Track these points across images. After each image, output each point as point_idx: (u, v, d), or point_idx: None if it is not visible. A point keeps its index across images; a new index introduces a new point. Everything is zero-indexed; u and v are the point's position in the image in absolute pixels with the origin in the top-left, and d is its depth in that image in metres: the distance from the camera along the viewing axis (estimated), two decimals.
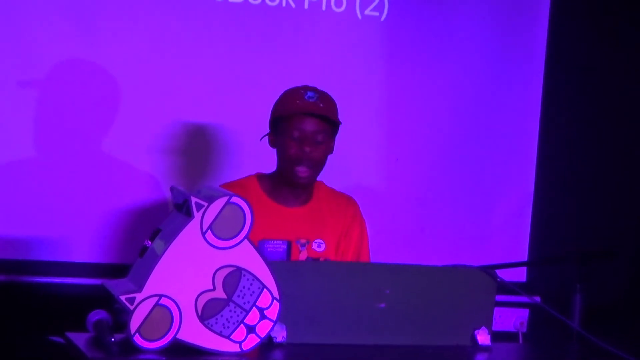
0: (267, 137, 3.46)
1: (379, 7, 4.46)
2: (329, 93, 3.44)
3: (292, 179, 3.37)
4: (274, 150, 3.45)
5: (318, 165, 3.38)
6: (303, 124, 3.33)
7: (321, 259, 3.39)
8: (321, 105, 3.36)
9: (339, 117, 3.44)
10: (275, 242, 3.36)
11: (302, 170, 3.34)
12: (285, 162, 3.36)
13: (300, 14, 4.37)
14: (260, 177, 3.49)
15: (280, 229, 3.38)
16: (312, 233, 3.42)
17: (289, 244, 3.37)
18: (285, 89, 3.48)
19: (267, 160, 3.53)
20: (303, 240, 3.40)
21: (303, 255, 3.38)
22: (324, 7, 4.39)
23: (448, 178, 4.58)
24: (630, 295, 4.75)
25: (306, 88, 3.41)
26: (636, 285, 4.77)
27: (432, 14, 4.54)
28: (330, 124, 3.38)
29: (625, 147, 4.79)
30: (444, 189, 4.58)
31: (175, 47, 4.22)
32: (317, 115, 3.34)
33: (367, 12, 4.45)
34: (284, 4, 4.33)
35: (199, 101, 4.26)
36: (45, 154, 4.11)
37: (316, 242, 3.42)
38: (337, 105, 3.45)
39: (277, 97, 3.47)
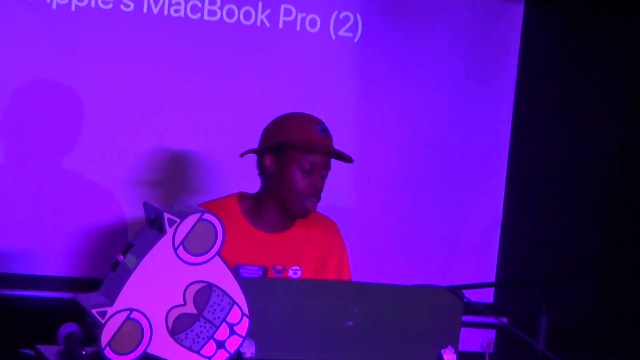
0: (257, 155, 3.39)
1: (353, 28, 4.50)
2: (321, 121, 3.40)
3: (297, 212, 3.34)
4: (252, 170, 3.40)
5: (320, 198, 3.37)
6: (317, 157, 3.30)
7: None
8: (330, 140, 3.36)
9: None
10: (251, 267, 3.31)
11: (312, 205, 3.33)
12: (292, 193, 3.31)
13: (274, 34, 4.39)
14: (242, 197, 3.42)
15: (257, 255, 3.34)
16: (288, 260, 3.38)
17: (265, 270, 3.33)
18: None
19: (247, 181, 3.48)
20: (279, 267, 3.36)
21: None
22: (298, 27, 4.42)
23: (418, 198, 4.61)
24: (595, 318, 4.78)
25: (314, 118, 3.37)
26: (601, 307, 4.81)
27: (405, 35, 4.58)
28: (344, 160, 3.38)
29: (593, 171, 4.83)
30: (414, 209, 4.60)
31: (148, 65, 4.24)
32: (329, 156, 3.34)
33: (341, 32, 4.49)
34: (258, 23, 4.36)
35: (172, 120, 4.27)
36: (18, 167, 4.11)
37: (292, 269, 3.38)
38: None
39: (277, 119, 3.40)
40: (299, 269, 3.39)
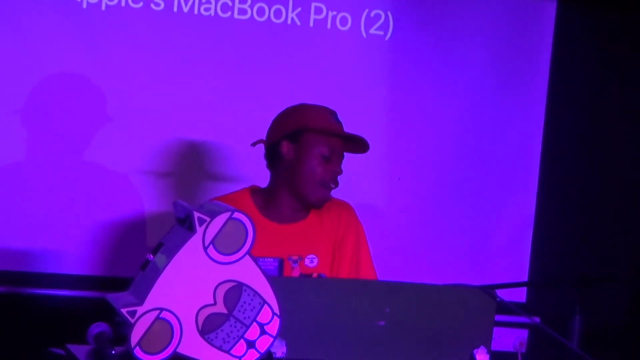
0: (267, 146, 3.38)
1: (384, 27, 4.49)
2: (334, 111, 3.41)
3: (313, 200, 3.33)
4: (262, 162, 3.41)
5: (337, 184, 3.37)
6: (337, 143, 3.32)
7: (314, 274, 3.35)
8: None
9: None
10: (266, 259, 3.28)
11: (327, 194, 3.33)
12: (310, 180, 3.30)
13: (305, 32, 4.39)
14: (254, 191, 3.42)
15: (272, 246, 3.31)
16: (304, 249, 3.36)
17: (281, 261, 3.32)
18: (288, 106, 3.44)
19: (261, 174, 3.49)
20: (295, 257, 3.34)
21: (296, 272, 3.33)
22: (329, 26, 4.41)
23: (449, 198, 4.59)
24: (629, 318, 4.75)
25: (327, 109, 3.38)
26: (636, 308, 4.77)
27: (436, 34, 4.56)
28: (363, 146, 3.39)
29: (627, 171, 4.79)
30: (446, 209, 4.59)
31: (180, 63, 4.24)
32: (354, 140, 3.35)
33: (371, 31, 4.48)
34: (289, 22, 4.35)
35: (199, 117, 4.28)
36: (48, 167, 4.13)
37: (309, 258, 3.36)
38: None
39: (290, 108, 3.40)
40: (315, 257, 3.37)
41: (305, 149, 3.30)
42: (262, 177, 3.47)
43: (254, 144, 3.39)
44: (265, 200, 3.38)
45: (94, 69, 4.16)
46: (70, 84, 4.15)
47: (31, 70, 4.09)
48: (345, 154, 3.39)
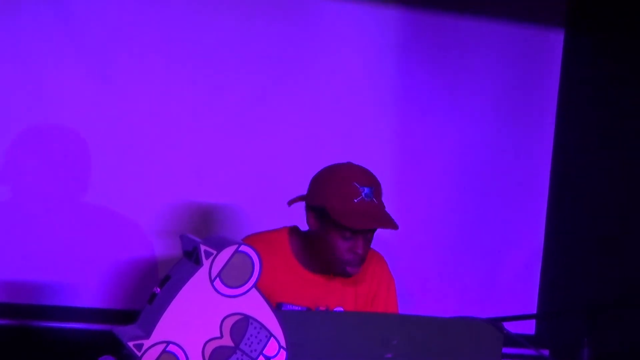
0: (303, 205, 3.24)
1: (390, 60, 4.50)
2: (372, 179, 3.17)
3: (340, 274, 3.21)
4: (301, 212, 3.26)
5: (365, 259, 3.22)
6: (358, 225, 3.12)
7: None
8: (376, 202, 3.14)
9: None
10: (293, 306, 3.22)
11: (354, 270, 3.20)
12: (332, 258, 3.18)
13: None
14: (292, 232, 3.31)
15: (301, 294, 3.24)
16: (332, 300, 3.28)
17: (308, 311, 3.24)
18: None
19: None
20: (322, 308, 3.26)
21: None
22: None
23: (458, 229, 4.59)
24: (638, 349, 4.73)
25: (360, 177, 3.14)
26: None
27: (444, 63, 4.60)
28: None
29: (634, 201, 4.79)
30: (454, 240, 4.58)
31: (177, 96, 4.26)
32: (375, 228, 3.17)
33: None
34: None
35: (212, 149, 4.30)
36: (55, 199, 4.14)
37: (336, 309, 3.27)
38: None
39: (321, 173, 3.22)
40: (342, 309, 3.28)
41: (326, 228, 3.16)
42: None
43: (290, 203, 3.24)
44: (302, 246, 3.28)
45: (110, 102, 4.18)
46: (87, 114, 4.17)
47: (41, 104, 4.11)
48: None
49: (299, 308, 3.24)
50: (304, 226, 3.29)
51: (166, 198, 4.23)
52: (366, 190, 3.13)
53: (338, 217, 3.11)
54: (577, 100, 4.72)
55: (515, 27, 4.65)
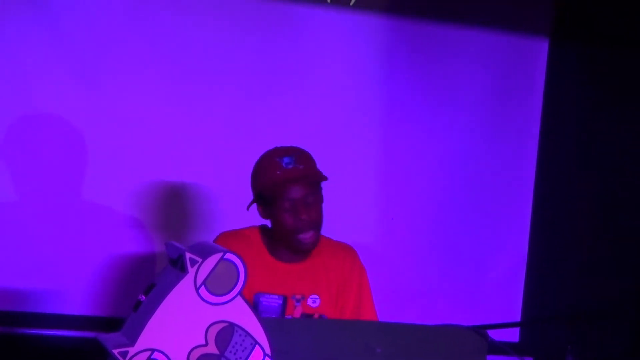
0: (255, 206, 3.42)
1: (376, 67, 4.51)
2: (290, 150, 3.37)
3: (297, 247, 3.37)
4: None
5: (318, 223, 3.37)
6: (291, 192, 3.31)
7: (315, 315, 3.39)
8: (301, 167, 3.33)
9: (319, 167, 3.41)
10: (271, 296, 3.34)
11: (306, 237, 3.34)
12: (284, 232, 3.35)
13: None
14: (263, 230, 3.47)
15: (277, 284, 3.37)
16: (307, 288, 3.41)
17: (285, 299, 3.36)
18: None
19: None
20: (298, 296, 3.39)
21: (298, 311, 3.38)
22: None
23: (442, 237, 4.60)
24: (622, 357, 4.74)
25: (280, 152, 3.36)
26: (630, 346, 4.76)
27: (429, 73, 4.59)
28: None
29: (619, 209, 4.80)
30: (438, 249, 4.59)
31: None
32: (303, 183, 3.32)
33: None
34: None
35: (195, 154, 4.30)
36: (38, 207, 4.13)
37: (311, 298, 3.40)
38: (318, 162, 3.40)
39: (253, 168, 3.41)
40: (317, 297, 3.41)
41: (269, 209, 3.35)
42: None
43: (248, 207, 3.42)
44: (271, 240, 3.43)
45: (99, 108, 4.18)
46: (72, 121, 4.17)
47: (33, 111, 4.11)
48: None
49: (276, 297, 3.35)
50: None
51: (152, 208, 4.23)
52: (285, 159, 3.32)
53: (268, 193, 3.31)
54: (561, 108, 4.74)
55: (500, 35, 4.67)
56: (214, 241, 3.37)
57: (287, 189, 3.30)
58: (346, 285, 3.47)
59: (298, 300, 3.39)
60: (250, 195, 3.40)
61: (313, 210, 3.34)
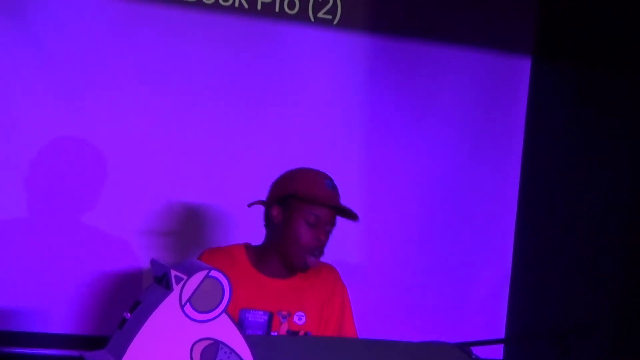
0: (263, 206, 3.42)
1: (358, 78, 4.53)
2: (330, 177, 3.41)
3: (298, 265, 3.38)
4: (259, 221, 3.44)
5: (323, 252, 3.41)
6: (322, 211, 3.33)
7: (301, 332, 3.39)
8: (337, 195, 3.39)
9: None
10: (257, 312, 3.34)
11: (313, 261, 3.37)
12: (295, 246, 3.36)
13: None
14: (248, 247, 3.47)
15: (263, 300, 3.37)
16: (293, 305, 3.42)
17: (271, 315, 3.36)
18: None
19: (252, 232, 3.51)
20: (285, 312, 3.39)
21: (284, 327, 3.38)
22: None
23: (426, 254, 4.61)
24: None
25: (322, 174, 3.40)
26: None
27: (412, 91, 4.62)
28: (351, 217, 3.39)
29: (601, 227, 4.82)
30: (422, 266, 4.60)
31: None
32: (341, 210, 3.36)
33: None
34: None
35: (180, 171, 4.31)
36: (22, 225, 4.13)
37: (297, 315, 3.41)
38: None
39: (286, 173, 3.43)
40: (303, 314, 3.42)
41: (292, 215, 3.35)
42: (255, 238, 3.51)
43: (250, 205, 3.44)
44: (258, 256, 3.44)
45: (90, 128, 4.19)
46: (55, 140, 4.18)
47: (18, 131, 4.11)
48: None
49: (262, 313, 3.35)
50: (255, 242, 3.45)
51: (138, 226, 4.24)
52: (327, 181, 3.38)
53: (307, 197, 3.32)
54: (544, 126, 4.77)
55: (483, 54, 4.70)
56: (199, 257, 3.38)
57: (321, 205, 3.33)
58: (330, 303, 3.50)
59: (284, 317, 3.39)
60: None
61: (327, 237, 3.39)
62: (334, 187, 3.39)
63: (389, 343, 2.92)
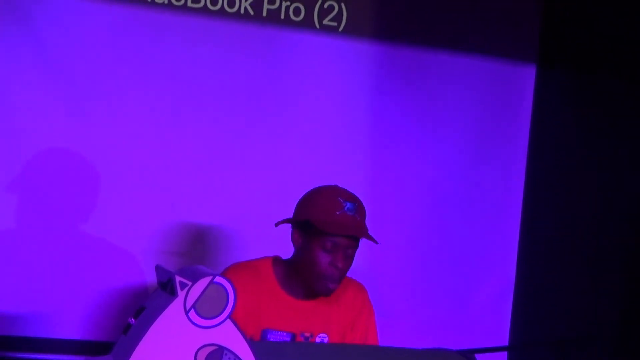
0: (288, 226, 3.34)
1: (362, 80, 4.54)
2: (354, 198, 3.29)
3: (319, 291, 3.29)
4: (287, 236, 3.35)
5: (345, 275, 3.32)
6: (340, 239, 3.24)
7: None
8: (358, 219, 3.26)
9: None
10: (278, 332, 3.28)
11: (331, 286, 3.28)
12: (313, 273, 3.26)
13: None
14: (276, 262, 3.39)
15: (286, 320, 3.31)
16: (316, 327, 3.35)
17: (293, 336, 3.31)
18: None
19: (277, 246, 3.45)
20: (307, 334, 3.32)
21: None
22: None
23: (429, 261, 4.61)
24: None
25: (344, 195, 3.27)
26: None
27: (417, 99, 4.62)
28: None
29: (606, 233, 4.82)
30: (425, 273, 4.60)
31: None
32: (353, 234, 3.25)
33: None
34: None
35: (180, 180, 4.32)
36: (31, 230, 4.14)
37: (320, 337, 3.35)
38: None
39: (308, 193, 3.34)
40: (326, 336, 3.35)
41: (309, 241, 3.26)
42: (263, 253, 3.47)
43: (277, 224, 3.34)
44: (285, 273, 3.36)
45: (98, 134, 4.19)
46: (59, 148, 4.19)
47: (19, 140, 4.12)
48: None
49: (285, 334, 3.29)
50: (285, 255, 3.37)
51: (145, 232, 4.25)
52: (348, 204, 3.25)
53: (320, 225, 3.21)
54: (548, 133, 4.77)
55: (488, 61, 4.70)
56: (224, 272, 3.31)
57: (337, 229, 3.22)
58: (354, 326, 3.42)
59: (306, 338, 3.33)
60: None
61: (348, 262, 3.29)
62: (354, 210, 3.26)
63: (392, 350, 2.92)
